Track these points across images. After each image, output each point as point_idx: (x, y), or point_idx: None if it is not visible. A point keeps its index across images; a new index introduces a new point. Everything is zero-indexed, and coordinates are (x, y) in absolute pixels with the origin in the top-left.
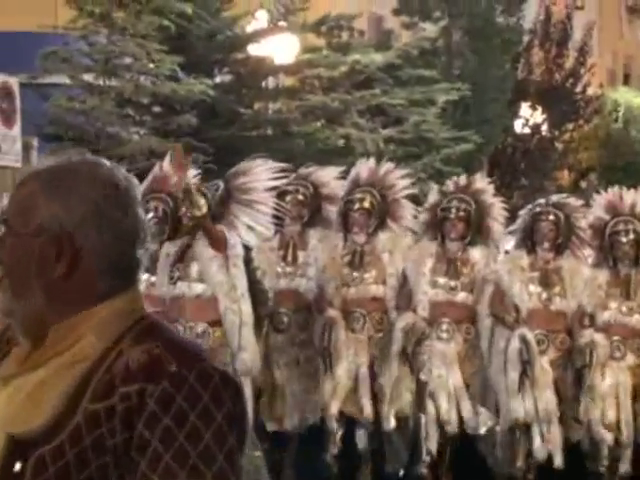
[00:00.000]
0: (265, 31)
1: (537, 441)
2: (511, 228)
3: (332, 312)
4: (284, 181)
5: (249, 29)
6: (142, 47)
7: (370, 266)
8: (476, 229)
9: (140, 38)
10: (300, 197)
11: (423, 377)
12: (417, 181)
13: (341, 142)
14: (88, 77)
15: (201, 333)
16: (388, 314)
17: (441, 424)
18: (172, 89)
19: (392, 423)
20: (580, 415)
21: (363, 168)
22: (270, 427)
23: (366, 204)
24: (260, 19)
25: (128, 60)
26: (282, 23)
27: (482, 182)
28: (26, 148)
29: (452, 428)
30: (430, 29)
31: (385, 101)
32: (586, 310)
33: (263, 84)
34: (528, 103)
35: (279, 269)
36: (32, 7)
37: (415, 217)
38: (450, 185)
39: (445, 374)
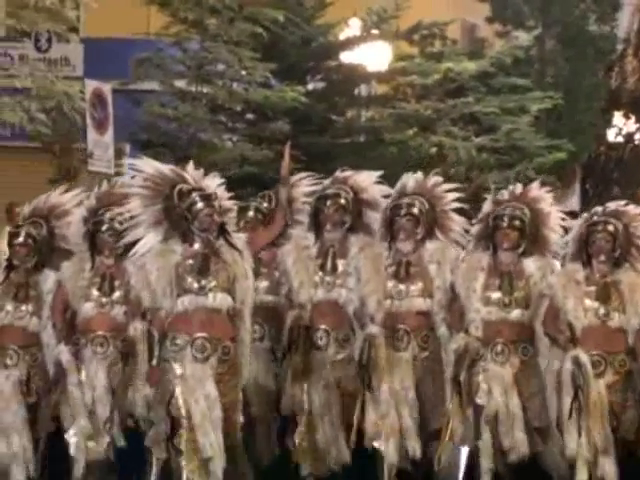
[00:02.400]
0: (358, 39)
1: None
2: (566, 238)
3: (373, 328)
4: (324, 184)
5: (342, 36)
6: (235, 54)
7: (416, 278)
8: (531, 240)
9: (233, 45)
10: (342, 201)
11: (479, 401)
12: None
13: (433, 150)
14: (180, 83)
15: None
16: (434, 331)
17: (500, 450)
18: (265, 96)
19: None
20: None
21: (410, 179)
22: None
23: (414, 210)
24: (353, 27)
25: (221, 67)
26: (375, 31)
27: (539, 190)
28: (118, 154)
29: (515, 454)
30: (523, 37)
31: (478, 109)
32: None
33: (355, 92)
34: (621, 112)
35: (317, 278)
36: (125, 14)
37: (466, 231)
38: (505, 194)
39: (502, 398)
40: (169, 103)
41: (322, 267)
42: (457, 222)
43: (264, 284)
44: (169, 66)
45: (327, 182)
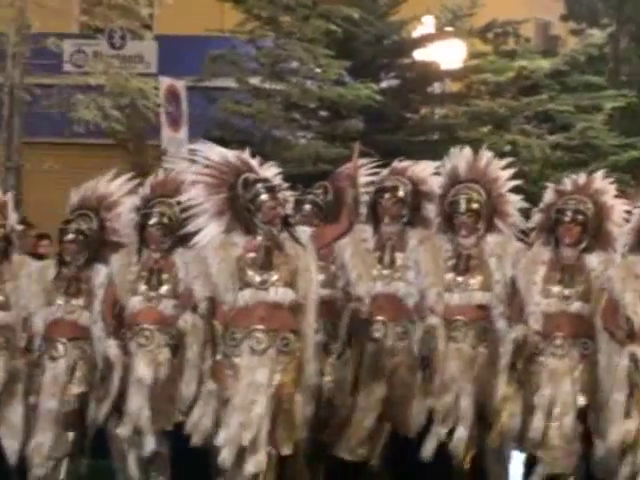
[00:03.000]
0: (432, 36)
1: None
2: (626, 228)
3: (433, 319)
4: (382, 175)
5: (415, 34)
6: (309, 51)
7: (476, 271)
8: (594, 235)
9: (307, 42)
10: (400, 194)
11: (537, 400)
12: None
13: (508, 148)
14: (254, 81)
15: None
16: (493, 325)
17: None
18: (339, 94)
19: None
20: None
21: (460, 161)
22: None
23: (474, 205)
24: (427, 24)
25: (295, 64)
26: (449, 28)
27: (603, 182)
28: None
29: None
30: (597, 35)
31: (552, 107)
32: None
33: (429, 89)
34: None
35: (375, 272)
36: (199, 11)
37: (526, 216)
38: (568, 184)
39: (558, 395)
40: (243, 100)
41: (380, 260)
42: (513, 203)
43: (320, 277)
44: (243, 63)
45: (385, 172)
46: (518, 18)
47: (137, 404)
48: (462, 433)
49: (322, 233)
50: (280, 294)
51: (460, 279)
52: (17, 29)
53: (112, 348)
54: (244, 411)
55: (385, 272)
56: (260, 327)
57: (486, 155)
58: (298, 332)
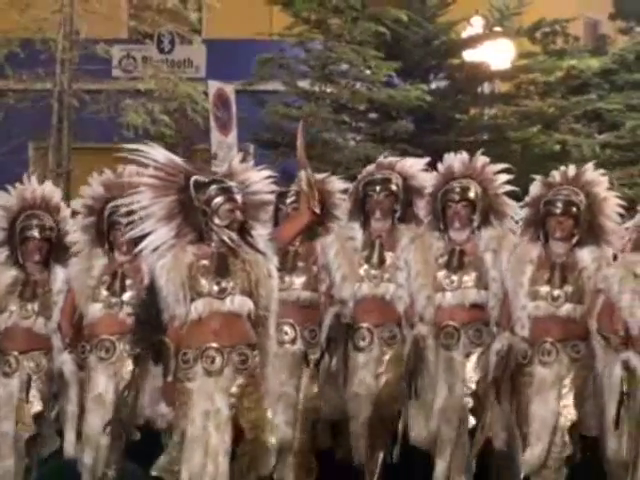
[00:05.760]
0: (480, 37)
1: None
2: (626, 225)
3: (422, 328)
4: (367, 170)
5: (464, 35)
6: (358, 53)
7: (470, 268)
8: (586, 229)
9: (356, 44)
10: (393, 187)
11: (532, 409)
12: (632, 185)
13: (557, 147)
14: (304, 84)
15: None
16: (488, 326)
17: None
18: (388, 95)
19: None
20: None
21: (456, 160)
22: (339, 454)
23: (470, 194)
24: (475, 25)
25: (344, 66)
26: (497, 28)
27: (594, 173)
28: (242, 155)
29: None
30: None
31: (601, 106)
32: None
33: (478, 90)
34: None
35: (362, 272)
36: (248, 15)
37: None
38: (556, 176)
39: (549, 405)
40: (293, 103)
41: (368, 260)
42: (510, 207)
43: (301, 279)
44: (292, 66)
45: (370, 168)
46: (566, 17)
47: (97, 426)
48: (442, 466)
49: (283, 230)
50: (237, 303)
51: (453, 277)
52: (66, 35)
53: (67, 364)
54: (202, 447)
55: (373, 272)
56: (213, 345)
57: (482, 158)
58: (256, 346)
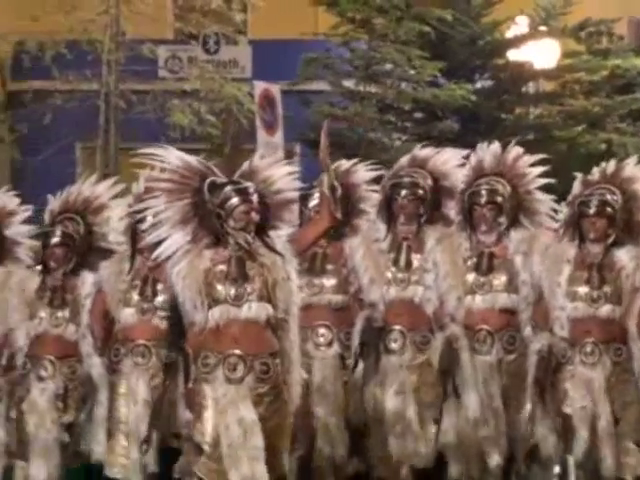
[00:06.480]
0: (525, 36)
1: None
2: None
3: (455, 328)
4: (399, 164)
5: (509, 34)
6: (403, 53)
7: (500, 271)
8: (623, 228)
9: (401, 44)
10: (419, 192)
11: (568, 410)
12: None
13: (603, 146)
14: (349, 83)
15: None
16: (520, 331)
17: (590, 465)
18: (433, 95)
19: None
20: None
21: (487, 154)
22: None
23: (497, 198)
24: (520, 24)
25: (389, 66)
26: (542, 28)
27: (633, 169)
28: (288, 155)
29: (608, 470)
30: None
31: None
32: None
33: (523, 89)
34: None
35: (389, 275)
36: (293, 15)
37: (555, 212)
38: (596, 173)
39: (590, 406)
40: (338, 103)
41: (395, 262)
42: (543, 203)
43: (331, 282)
44: (337, 66)
45: (403, 161)
46: (611, 17)
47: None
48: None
49: (302, 234)
50: (254, 310)
51: (482, 280)
52: (112, 36)
53: (96, 367)
54: (235, 458)
55: (400, 275)
56: (236, 352)
57: (515, 149)
58: (277, 354)
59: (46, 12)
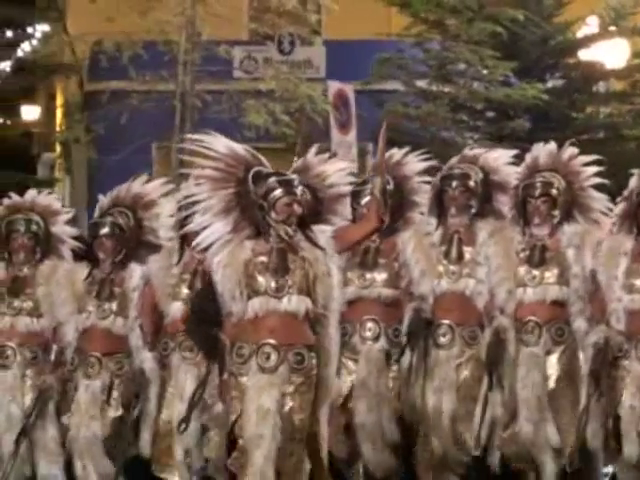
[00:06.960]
0: (596, 36)
1: None
2: None
3: (503, 320)
4: (450, 162)
5: (580, 34)
6: (475, 53)
7: (552, 263)
8: None
9: (473, 44)
10: (470, 183)
11: (622, 411)
12: None
13: None
14: (422, 83)
15: None
16: (570, 324)
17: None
18: (505, 94)
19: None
20: None
21: (542, 152)
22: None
23: (552, 190)
24: (591, 24)
25: (461, 66)
26: (612, 28)
27: None
28: (361, 154)
29: None
30: None
31: None
32: None
33: (594, 88)
34: None
35: (441, 268)
36: (367, 15)
37: (610, 210)
38: None
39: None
40: (411, 103)
41: (446, 255)
42: (598, 200)
43: (382, 276)
44: (411, 66)
45: (454, 160)
46: None
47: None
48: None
49: (347, 232)
50: (294, 303)
51: (534, 272)
52: (188, 37)
53: (148, 362)
54: (261, 444)
55: (452, 268)
56: (270, 342)
57: (570, 149)
58: (314, 347)
59: (120, 13)
